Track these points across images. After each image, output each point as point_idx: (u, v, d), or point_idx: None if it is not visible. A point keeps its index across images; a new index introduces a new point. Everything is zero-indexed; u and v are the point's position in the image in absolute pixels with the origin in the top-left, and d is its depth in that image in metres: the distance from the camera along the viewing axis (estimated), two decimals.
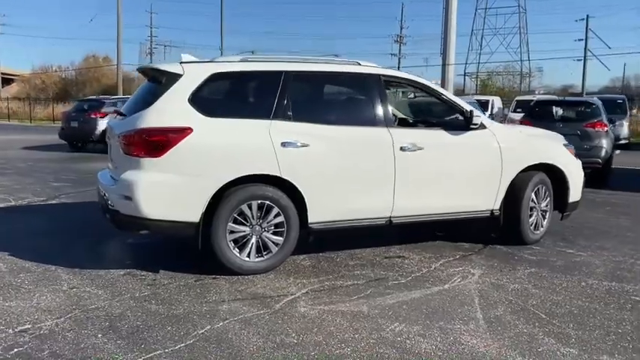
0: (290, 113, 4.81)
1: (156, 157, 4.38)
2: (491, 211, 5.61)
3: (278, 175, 4.65)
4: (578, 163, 6.17)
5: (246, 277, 4.63)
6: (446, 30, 45.97)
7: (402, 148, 5.08)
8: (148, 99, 4.72)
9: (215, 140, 4.52)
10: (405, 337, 3.51)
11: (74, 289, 4.31)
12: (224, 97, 4.76)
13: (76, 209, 7.64)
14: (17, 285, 4.39)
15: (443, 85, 47.01)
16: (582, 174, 6.18)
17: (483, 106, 22.43)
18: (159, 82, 4.77)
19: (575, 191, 6.07)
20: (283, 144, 4.66)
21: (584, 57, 52.28)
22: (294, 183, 4.69)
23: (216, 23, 71.58)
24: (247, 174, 4.58)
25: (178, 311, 3.90)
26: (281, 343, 3.41)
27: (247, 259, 4.67)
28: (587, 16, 52.13)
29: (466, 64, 60.77)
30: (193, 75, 4.62)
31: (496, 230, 5.87)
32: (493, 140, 5.53)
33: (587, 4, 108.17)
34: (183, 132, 4.41)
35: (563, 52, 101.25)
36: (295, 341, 3.43)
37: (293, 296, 4.24)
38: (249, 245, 4.66)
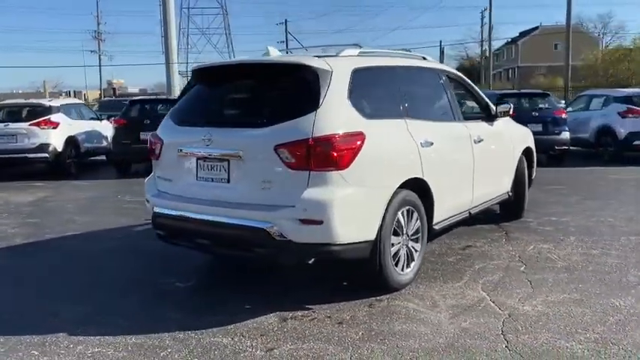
0: (411, 110, 4.54)
1: (343, 168, 3.67)
2: (508, 192, 6.23)
3: (421, 177, 4.37)
4: None
5: (402, 292, 4.24)
6: (166, 28, 44.98)
7: (474, 141, 5.27)
8: (285, 99, 3.96)
9: (381, 144, 4.01)
10: None
11: (281, 350, 3.33)
12: (367, 95, 4.16)
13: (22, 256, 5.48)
14: None
15: (169, 85, 45.99)
16: None
17: None
18: (296, 79, 3.93)
19: (535, 169, 7.14)
20: (422, 144, 4.40)
21: None
22: (430, 184, 4.47)
23: None
24: (407, 178, 4.19)
25: (445, 339, 3.43)
26: (596, 340, 3.38)
27: (402, 272, 4.27)
28: (286, 20, 57.48)
29: (177, 63, 60.56)
30: (341, 72, 3.97)
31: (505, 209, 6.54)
32: (506, 128, 6.14)
33: (283, 10, 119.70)
34: (361, 137, 3.79)
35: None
36: (598, 336, 3.45)
37: (488, 299, 4.10)
38: (403, 257, 4.27)
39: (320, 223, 3.59)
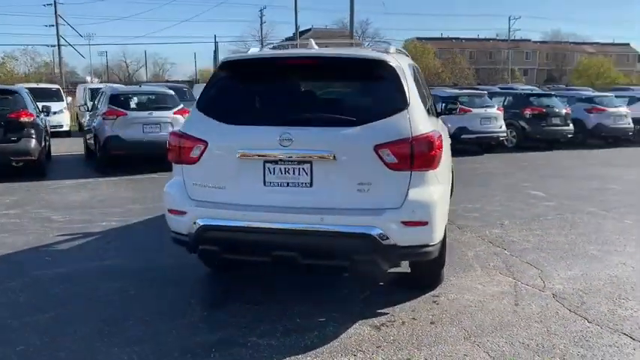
0: (432, 108, 4.69)
1: (436, 167, 3.63)
2: None
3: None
4: None
5: (443, 286, 4.37)
6: None
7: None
8: (371, 96, 3.82)
9: (444, 143, 4.04)
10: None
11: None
12: (420, 93, 4.06)
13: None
14: None
15: None
16: None
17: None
18: (377, 75, 3.75)
19: None
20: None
21: (58, 44, 51.73)
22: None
23: None
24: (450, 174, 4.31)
25: (539, 325, 3.68)
26: None
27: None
28: (55, 2, 51.38)
29: None
30: (406, 69, 3.89)
31: None
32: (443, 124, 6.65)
33: None
34: (441, 136, 3.79)
35: (37, 37, 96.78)
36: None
37: (520, 284, 4.47)
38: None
39: (425, 224, 3.51)
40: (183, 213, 3.76)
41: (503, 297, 4.16)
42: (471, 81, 42.11)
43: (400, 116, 3.55)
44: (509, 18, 73.44)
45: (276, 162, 3.58)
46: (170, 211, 3.86)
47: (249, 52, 4.33)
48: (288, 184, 3.58)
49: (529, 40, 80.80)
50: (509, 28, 73.73)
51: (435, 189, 3.62)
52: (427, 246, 3.62)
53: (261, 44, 69.57)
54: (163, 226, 6.22)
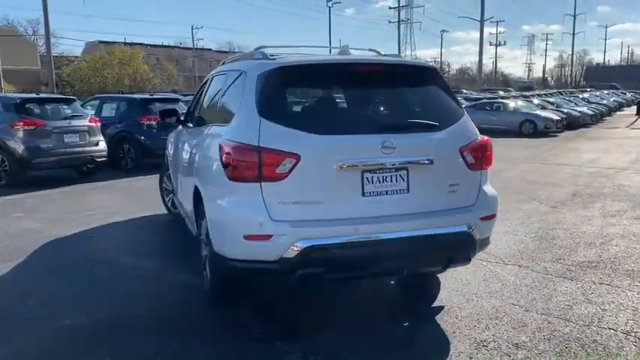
0: None
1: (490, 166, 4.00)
2: None
3: None
4: None
5: (441, 276, 4.78)
6: None
7: None
8: (439, 102, 3.90)
9: None
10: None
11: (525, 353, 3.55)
12: None
13: None
14: None
15: None
16: None
17: None
18: (434, 81, 3.96)
19: None
20: None
21: None
22: None
23: None
24: None
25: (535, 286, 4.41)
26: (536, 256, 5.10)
27: None
28: None
29: None
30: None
31: None
32: None
33: None
34: None
35: None
36: (529, 255, 5.19)
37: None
38: None
39: (494, 217, 3.88)
40: (267, 237, 3.28)
41: (494, 276, 4.74)
42: (181, 87, 42.25)
43: (466, 119, 3.86)
44: (192, 27, 76.03)
45: (374, 171, 3.46)
46: (248, 237, 3.29)
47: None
48: (387, 192, 3.50)
49: (210, 50, 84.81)
50: (193, 37, 76.32)
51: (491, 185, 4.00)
52: (489, 237, 3.98)
53: None
54: (56, 268, 5.03)
